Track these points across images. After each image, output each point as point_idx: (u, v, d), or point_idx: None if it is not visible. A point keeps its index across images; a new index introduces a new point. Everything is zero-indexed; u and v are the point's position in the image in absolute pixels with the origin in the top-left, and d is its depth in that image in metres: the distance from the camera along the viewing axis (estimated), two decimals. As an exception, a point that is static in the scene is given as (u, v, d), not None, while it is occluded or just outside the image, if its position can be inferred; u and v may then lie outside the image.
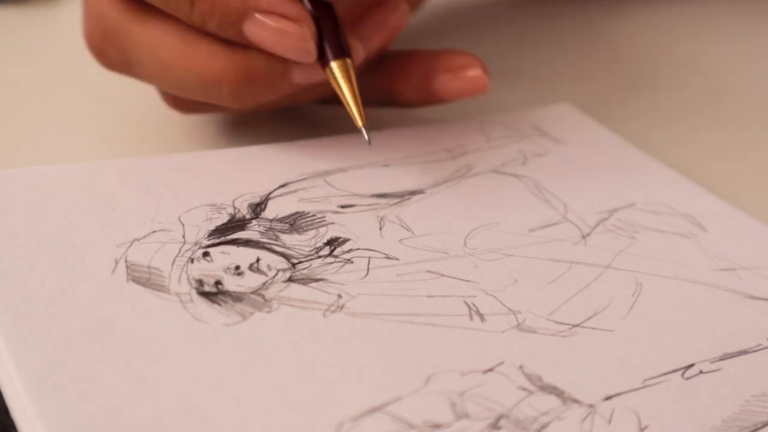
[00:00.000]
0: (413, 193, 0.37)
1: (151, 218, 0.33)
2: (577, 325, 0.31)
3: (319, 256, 0.33)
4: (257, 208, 0.35)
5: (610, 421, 0.28)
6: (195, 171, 0.37)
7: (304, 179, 0.37)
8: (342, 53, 0.36)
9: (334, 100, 0.38)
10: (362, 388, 0.28)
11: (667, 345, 0.31)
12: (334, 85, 0.36)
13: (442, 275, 0.33)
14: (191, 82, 0.36)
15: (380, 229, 0.35)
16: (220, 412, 0.26)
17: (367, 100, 0.37)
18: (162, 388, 0.27)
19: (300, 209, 0.35)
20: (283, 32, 0.34)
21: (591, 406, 0.28)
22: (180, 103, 0.39)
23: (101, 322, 0.28)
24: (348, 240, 0.34)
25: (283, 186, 0.37)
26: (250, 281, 0.31)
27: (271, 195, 0.36)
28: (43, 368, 0.27)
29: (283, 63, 0.36)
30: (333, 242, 0.34)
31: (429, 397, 0.28)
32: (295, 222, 0.35)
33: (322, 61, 0.36)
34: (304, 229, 0.34)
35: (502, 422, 0.27)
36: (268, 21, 0.34)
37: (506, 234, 0.36)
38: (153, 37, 0.36)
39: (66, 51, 0.50)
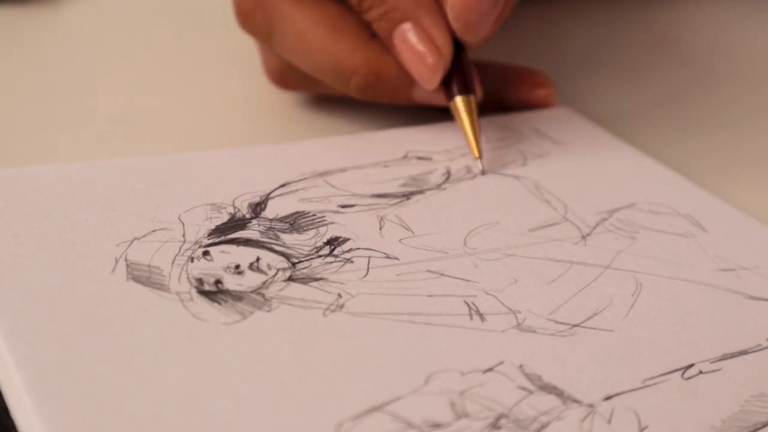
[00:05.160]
0: (413, 193, 0.37)
1: (151, 217, 0.33)
2: (577, 325, 0.31)
3: (319, 256, 0.33)
4: (257, 208, 0.35)
5: (609, 421, 0.28)
6: (195, 171, 0.37)
7: (304, 179, 0.37)
8: (467, 90, 0.40)
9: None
10: (362, 388, 0.28)
11: (667, 345, 0.31)
12: (455, 115, 0.40)
13: (442, 275, 0.33)
14: (327, 65, 0.40)
15: (380, 228, 0.35)
16: (220, 410, 0.26)
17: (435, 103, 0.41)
18: (162, 386, 0.27)
19: (300, 209, 0.35)
20: (421, 56, 0.38)
21: (591, 405, 0.28)
22: (285, 79, 0.43)
23: (101, 321, 0.28)
24: (348, 239, 0.34)
25: (283, 186, 0.37)
26: (250, 280, 0.31)
27: (271, 195, 0.36)
28: (43, 367, 0.26)
29: (411, 78, 0.40)
30: (333, 242, 0.34)
31: (429, 397, 0.28)
32: (295, 221, 0.35)
33: (447, 91, 0.40)
34: (304, 228, 0.34)
35: (502, 422, 0.27)
36: (416, 40, 0.38)
37: (506, 234, 0.36)
38: (305, 19, 0.39)
39: (66, 51, 0.50)
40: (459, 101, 0.40)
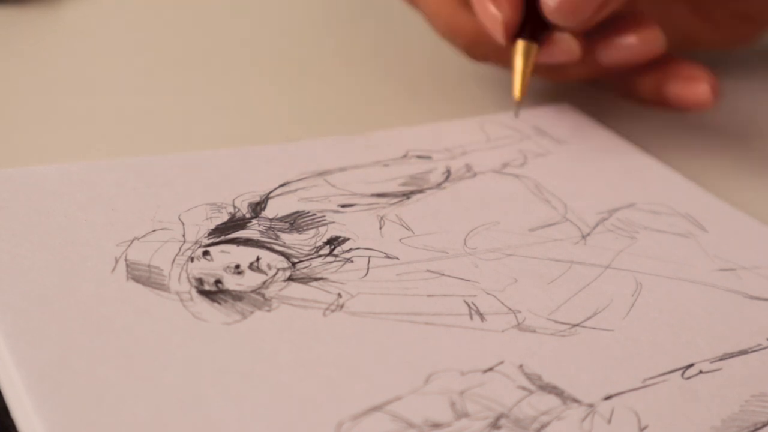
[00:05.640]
0: (413, 192, 0.37)
1: (151, 217, 0.33)
2: (577, 325, 0.31)
3: (319, 255, 0.33)
4: (257, 208, 0.35)
5: (609, 421, 0.28)
6: (195, 170, 0.37)
7: (304, 178, 0.37)
8: (532, 38, 0.42)
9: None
10: (362, 387, 0.28)
11: (667, 345, 0.31)
12: (512, 57, 0.42)
13: (442, 275, 0.33)
14: (441, 29, 0.45)
15: (380, 228, 0.35)
16: (220, 410, 0.26)
17: (609, 90, 0.46)
18: (162, 386, 0.27)
19: (300, 208, 0.35)
20: (492, 16, 0.41)
21: (591, 405, 0.28)
22: (471, 53, 0.46)
23: (101, 320, 0.28)
24: (348, 239, 0.34)
25: (283, 185, 0.37)
26: (250, 280, 0.31)
27: (271, 194, 0.36)
28: (43, 367, 0.27)
29: None
30: (333, 241, 0.34)
31: (429, 397, 0.28)
32: (295, 221, 0.35)
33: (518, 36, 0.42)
34: (304, 228, 0.34)
35: (502, 421, 0.27)
36: (488, 2, 0.41)
37: (506, 234, 0.36)
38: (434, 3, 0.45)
39: (66, 51, 0.50)
40: (519, 43, 0.42)
